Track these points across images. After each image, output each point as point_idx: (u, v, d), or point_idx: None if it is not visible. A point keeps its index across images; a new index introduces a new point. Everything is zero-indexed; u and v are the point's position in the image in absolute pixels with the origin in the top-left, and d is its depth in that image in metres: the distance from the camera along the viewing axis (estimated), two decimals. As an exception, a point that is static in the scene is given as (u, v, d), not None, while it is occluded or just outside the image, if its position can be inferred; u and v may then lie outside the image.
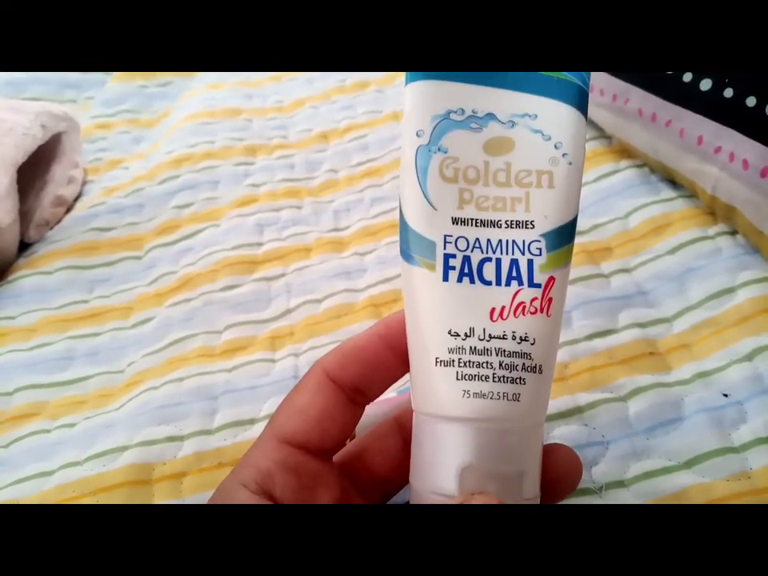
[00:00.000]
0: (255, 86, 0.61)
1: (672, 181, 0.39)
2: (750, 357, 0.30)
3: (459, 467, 0.19)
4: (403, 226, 0.21)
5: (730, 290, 0.33)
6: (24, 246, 0.47)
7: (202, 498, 0.30)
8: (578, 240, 0.38)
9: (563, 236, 0.20)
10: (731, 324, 0.31)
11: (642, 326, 0.33)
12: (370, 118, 0.53)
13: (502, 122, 0.20)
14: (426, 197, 0.20)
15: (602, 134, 0.44)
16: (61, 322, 0.41)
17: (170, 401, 0.34)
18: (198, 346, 0.37)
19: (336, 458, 0.23)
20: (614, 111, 0.40)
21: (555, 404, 0.30)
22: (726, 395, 0.29)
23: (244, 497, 0.20)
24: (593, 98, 0.42)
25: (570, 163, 0.20)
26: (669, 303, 0.33)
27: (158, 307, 0.41)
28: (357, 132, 0.52)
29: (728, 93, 0.32)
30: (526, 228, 0.20)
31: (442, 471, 0.19)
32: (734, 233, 0.35)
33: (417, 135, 0.20)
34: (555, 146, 0.20)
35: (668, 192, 0.39)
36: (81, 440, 0.34)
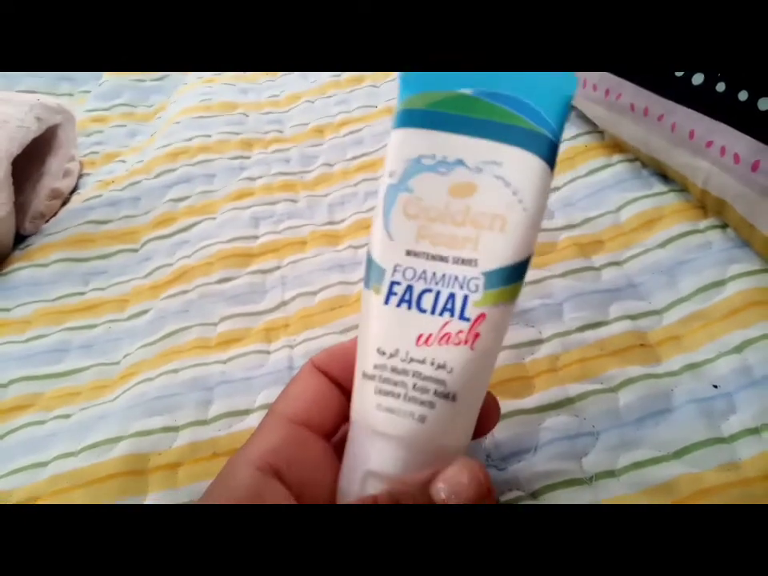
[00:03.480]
0: (251, 81, 0.61)
1: (663, 175, 0.39)
2: (739, 349, 0.30)
3: (363, 472, 0.21)
4: (367, 254, 0.23)
5: (719, 283, 0.33)
6: (20, 239, 0.47)
7: (197, 488, 0.30)
8: (569, 233, 0.38)
9: (505, 276, 0.21)
10: (721, 317, 0.32)
11: (632, 318, 0.33)
12: (365, 113, 0.54)
13: (470, 168, 0.22)
14: (386, 229, 0.22)
15: (594, 128, 0.44)
16: (56, 314, 0.42)
17: (165, 392, 0.34)
18: (193, 338, 0.38)
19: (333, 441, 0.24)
20: (607, 106, 0.40)
21: (546, 395, 0.30)
22: (715, 386, 0.29)
23: (247, 474, 0.20)
24: (585, 92, 0.42)
25: (525, 210, 0.21)
26: (659, 296, 0.34)
27: (153, 299, 0.41)
28: (352, 126, 0.52)
29: (720, 87, 0.33)
30: (470, 265, 0.21)
31: (352, 474, 0.21)
32: (724, 226, 0.35)
33: (389, 176, 0.23)
34: (513, 193, 0.21)
35: (659, 186, 0.39)
36: (75, 431, 0.34)
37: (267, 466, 0.21)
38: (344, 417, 0.23)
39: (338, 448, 0.23)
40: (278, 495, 0.20)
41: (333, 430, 0.23)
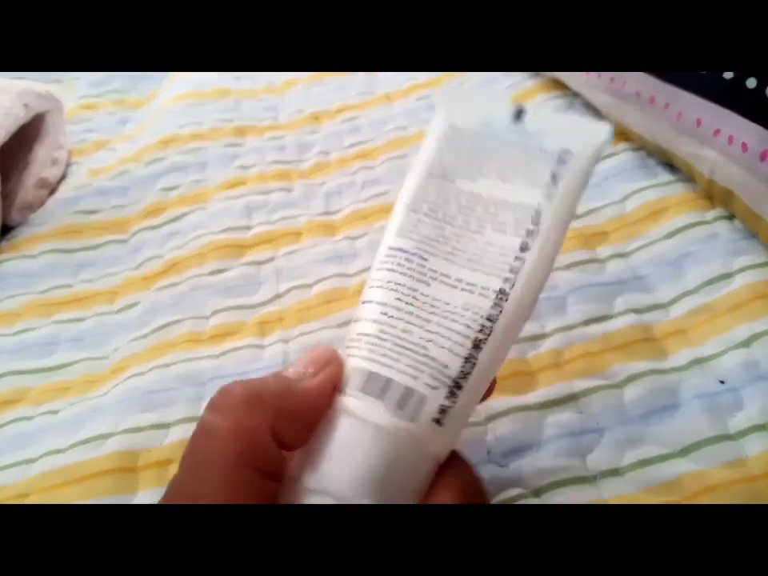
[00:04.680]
0: (245, 67, 0.60)
1: (669, 164, 0.38)
2: (746, 343, 0.29)
3: None
4: None
5: (726, 276, 0.32)
6: (6, 229, 0.46)
7: (189, 486, 0.29)
8: (573, 224, 0.37)
9: None
10: (727, 310, 0.31)
11: (637, 311, 0.32)
12: (362, 100, 0.53)
13: None
14: None
15: (598, 116, 0.43)
16: (45, 306, 0.41)
17: (157, 387, 0.33)
18: (185, 332, 0.37)
19: None
20: (612, 93, 0.39)
21: (549, 391, 0.30)
22: (722, 382, 0.28)
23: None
24: (589, 79, 0.41)
25: None
26: (665, 288, 0.33)
27: (144, 291, 0.40)
28: (349, 113, 0.52)
29: (728, 74, 0.32)
30: None
31: None
32: (731, 217, 0.35)
33: None
34: None
35: (665, 176, 0.38)
36: (64, 427, 0.33)
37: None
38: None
39: None
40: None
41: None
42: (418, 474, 0.20)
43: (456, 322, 0.21)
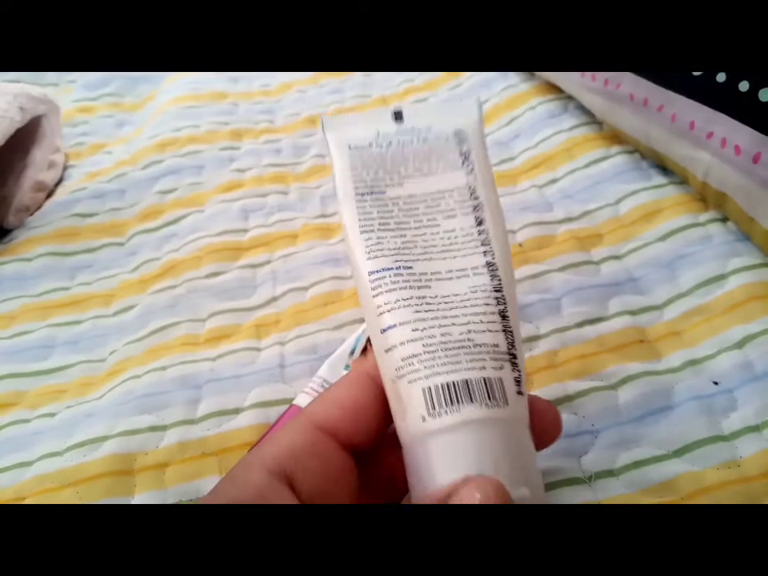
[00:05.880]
0: (241, 70, 0.60)
1: (663, 167, 0.39)
2: (740, 344, 0.29)
3: None
4: None
5: (720, 277, 0.32)
6: (3, 233, 0.46)
7: (185, 488, 0.29)
8: (568, 226, 0.37)
9: None
10: (721, 311, 0.31)
11: (632, 313, 0.32)
12: (358, 103, 0.53)
13: None
14: None
15: (592, 119, 0.43)
16: (41, 309, 0.41)
17: (153, 390, 0.33)
18: (181, 334, 0.37)
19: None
20: (606, 96, 0.39)
21: (544, 392, 0.30)
22: (716, 383, 0.29)
23: (257, 476, 0.19)
24: (584, 82, 0.41)
25: None
26: (659, 290, 0.33)
27: (140, 294, 0.40)
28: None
29: (721, 77, 0.32)
30: None
31: None
32: (724, 219, 0.35)
33: None
34: None
35: (659, 178, 0.38)
36: (61, 430, 0.33)
37: (280, 471, 0.20)
38: (380, 429, 0.22)
39: (363, 462, 0.22)
40: (284, 502, 0.19)
41: (362, 445, 0.22)
42: (530, 447, 0.21)
43: (476, 305, 0.22)
